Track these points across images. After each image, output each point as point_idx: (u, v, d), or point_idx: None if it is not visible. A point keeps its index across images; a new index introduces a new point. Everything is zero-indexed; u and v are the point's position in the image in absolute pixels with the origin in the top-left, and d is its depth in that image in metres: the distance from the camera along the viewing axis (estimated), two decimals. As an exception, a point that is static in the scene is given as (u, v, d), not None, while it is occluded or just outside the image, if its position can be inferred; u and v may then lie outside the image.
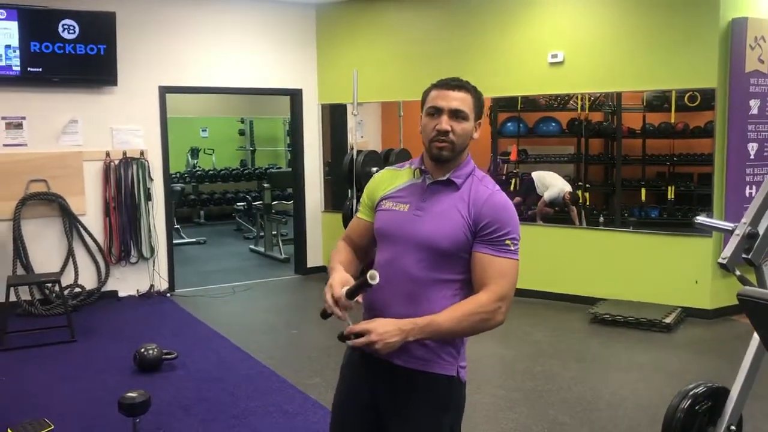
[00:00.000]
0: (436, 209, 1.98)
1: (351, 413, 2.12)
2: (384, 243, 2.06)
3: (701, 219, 3.21)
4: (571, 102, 8.25)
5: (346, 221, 7.23)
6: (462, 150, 2.00)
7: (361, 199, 2.20)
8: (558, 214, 8.05)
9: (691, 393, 2.99)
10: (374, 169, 6.49)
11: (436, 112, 1.96)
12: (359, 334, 1.85)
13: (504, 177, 8.41)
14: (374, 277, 1.81)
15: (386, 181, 2.13)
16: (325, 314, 1.96)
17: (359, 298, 1.96)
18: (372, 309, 2.02)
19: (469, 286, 1.99)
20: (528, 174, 8.05)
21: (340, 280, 1.95)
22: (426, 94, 2.02)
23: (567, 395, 4.34)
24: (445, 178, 2.00)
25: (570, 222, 7.21)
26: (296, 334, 5.93)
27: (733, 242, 2.84)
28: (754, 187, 5.91)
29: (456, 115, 1.95)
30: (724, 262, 2.84)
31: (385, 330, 1.83)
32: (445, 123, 1.94)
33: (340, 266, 2.06)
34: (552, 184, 7.58)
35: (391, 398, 2.02)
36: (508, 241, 1.93)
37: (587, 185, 7.66)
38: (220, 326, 5.93)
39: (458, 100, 1.95)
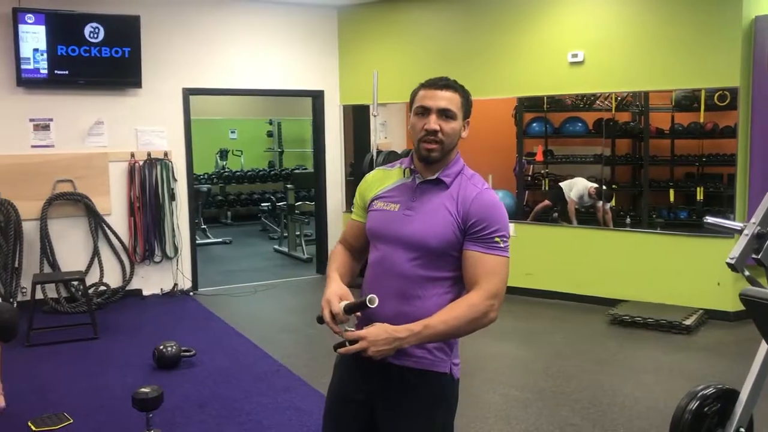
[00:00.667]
0: (425, 208, 1.99)
1: (345, 410, 2.13)
2: (376, 242, 2.08)
3: (711, 219, 3.16)
4: (597, 102, 8.17)
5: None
6: (451, 149, 2.00)
7: (354, 201, 2.21)
8: (584, 214, 7.99)
9: (700, 394, 2.94)
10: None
11: (424, 111, 1.97)
12: (353, 341, 1.87)
13: (530, 177, 8.36)
14: (373, 301, 1.87)
15: (377, 181, 2.14)
16: (322, 320, 1.99)
17: None
18: None
19: (460, 283, 2.00)
20: (556, 181, 8.00)
21: (337, 293, 1.98)
22: (414, 94, 2.03)
23: (581, 396, 4.30)
24: (434, 177, 2.01)
25: (596, 223, 7.13)
26: (314, 333, 5.96)
27: (742, 242, 2.79)
28: (778, 187, 5.80)
29: (444, 114, 1.96)
30: (732, 262, 2.80)
31: (377, 338, 1.85)
32: (433, 122, 1.95)
33: (336, 275, 2.09)
34: (577, 183, 7.52)
35: (385, 395, 2.03)
36: (497, 239, 1.93)
37: (614, 186, 7.57)
38: (239, 325, 6.00)
39: (446, 99, 1.96)
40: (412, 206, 2.01)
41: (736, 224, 2.94)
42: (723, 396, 2.96)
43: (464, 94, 2.00)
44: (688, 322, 5.53)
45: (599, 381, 4.59)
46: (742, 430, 2.90)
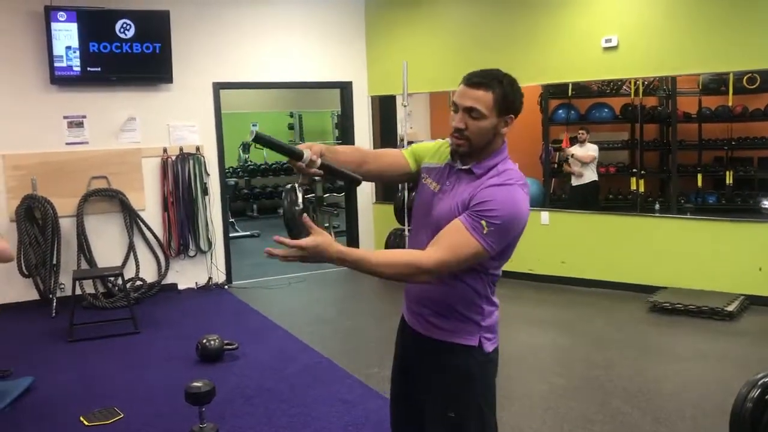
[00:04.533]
0: (451, 194, 2.00)
1: (398, 380, 2.28)
2: (414, 215, 2.15)
3: (769, 204, 3.13)
4: (624, 87, 8.11)
5: (397, 213, 7.26)
6: (483, 146, 1.97)
7: (412, 145, 2.25)
8: (614, 201, 7.95)
9: (761, 382, 2.92)
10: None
11: (455, 108, 1.98)
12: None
13: (555, 165, 8.32)
14: (359, 182, 1.99)
15: (437, 153, 2.15)
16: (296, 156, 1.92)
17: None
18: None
19: (472, 269, 1.97)
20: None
21: (326, 149, 1.99)
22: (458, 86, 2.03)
23: (628, 384, 4.29)
24: (467, 167, 2.01)
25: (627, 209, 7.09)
26: (351, 325, 5.99)
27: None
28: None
29: (470, 113, 1.93)
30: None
31: (316, 249, 1.77)
32: (458, 120, 1.95)
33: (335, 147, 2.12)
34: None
35: (416, 366, 2.13)
36: (484, 222, 1.85)
37: (642, 171, 7.52)
38: (277, 317, 6.03)
39: (473, 98, 1.92)
40: (444, 189, 2.04)
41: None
42: (784, 383, 2.94)
43: (502, 92, 1.93)
44: (730, 308, 5.48)
45: (644, 369, 4.57)
46: (804, 416, 2.87)
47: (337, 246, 1.80)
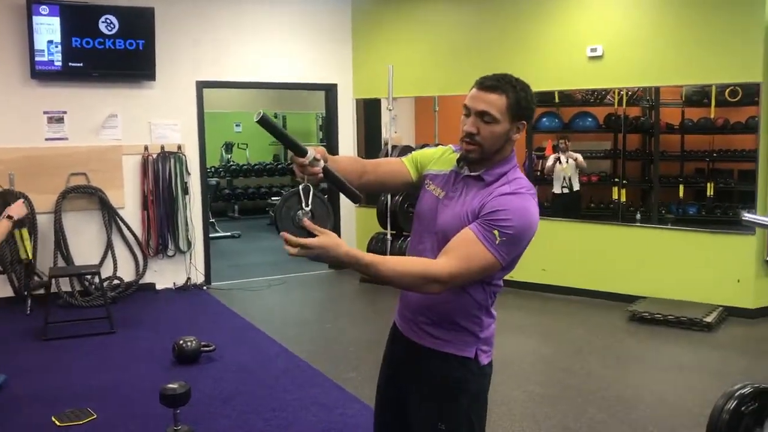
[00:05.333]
0: (458, 201, 1.96)
1: (386, 387, 2.19)
2: (417, 222, 2.09)
3: (749, 216, 3.16)
4: (608, 97, 8.15)
5: (380, 217, 7.24)
6: (494, 151, 1.94)
7: (413, 153, 2.17)
8: (596, 210, 7.97)
9: (737, 394, 2.93)
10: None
11: (466, 112, 1.93)
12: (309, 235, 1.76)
13: (539, 173, 8.34)
14: (359, 200, 1.93)
15: (441, 159, 2.10)
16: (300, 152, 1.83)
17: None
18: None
19: (483, 281, 1.95)
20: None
21: (329, 156, 1.92)
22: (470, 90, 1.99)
23: (606, 393, 4.29)
24: (477, 174, 1.96)
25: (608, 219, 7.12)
26: (330, 328, 5.95)
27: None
28: (798, 184, 5.78)
29: (482, 117, 1.89)
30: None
31: (322, 249, 1.73)
32: (470, 125, 1.90)
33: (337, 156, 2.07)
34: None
35: (411, 375, 2.06)
36: (496, 232, 1.82)
37: (624, 181, 7.56)
38: (256, 319, 5.97)
39: (487, 102, 1.88)
40: (451, 196, 1.99)
41: (778, 222, 2.92)
42: (761, 395, 2.94)
43: (515, 97, 1.90)
44: (708, 319, 5.51)
45: (623, 378, 4.58)
46: (780, 429, 2.89)
47: (346, 247, 1.75)
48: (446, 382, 1.99)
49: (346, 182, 1.92)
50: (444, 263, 1.81)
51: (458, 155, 2.05)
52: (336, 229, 8.05)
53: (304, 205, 1.80)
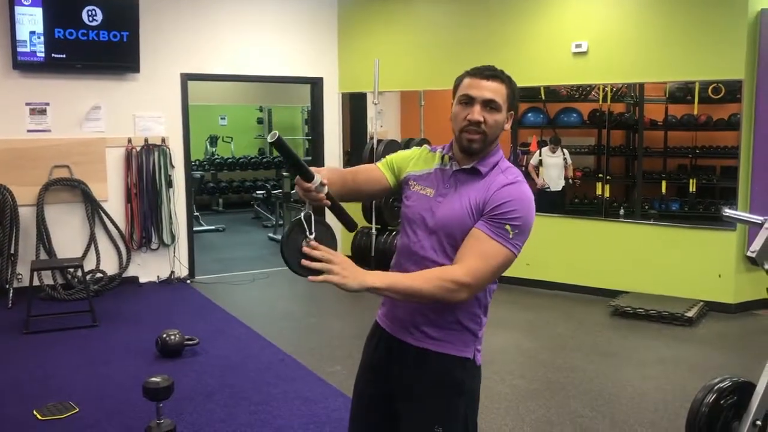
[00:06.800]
0: (455, 196, 1.95)
1: (369, 389, 2.12)
2: (406, 226, 2.04)
3: (730, 212, 3.17)
4: (592, 93, 8.18)
5: (365, 211, 7.24)
6: (493, 141, 1.95)
7: (387, 157, 2.14)
8: (580, 205, 8.01)
9: (716, 387, 2.96)
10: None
11: (468, 101, 1.91)
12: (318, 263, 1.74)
13: (524, 168, 8.37)
14: (354, 229, 1.96)
15: (420, 160, 2.09)
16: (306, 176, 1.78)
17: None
18: None
19: None
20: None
21: (331, 175, 1.92)
22: (459, 81, 1.97)
23: (588, 387, 4.33)
24: (470, 166, 1.96)
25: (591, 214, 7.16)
26: (315, 322, 5.95)
27: (763, 235, 2.80)
28: (780, 180, 5.84)
29: (488, 105, 1.90)
30: (753, 255, 2.81)
31: (347, 271, 1.73)
32: (477, 113, 1.89)
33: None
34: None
35: (403, 377, 2.00)
36: (508, 227, 1.83)
37: (608, 177, 7.60)
38: (240, 313, 5.96)
39: (491, 90, 1.90)
40: (444, 193, 1.96)
41: (757, 218, 2.94)
42: (739, 389, 2.97)
43: (511, 86, 1.94)
44: (689, 314, 5.57)
45: (605, 372, 4.62)
46: (758, 422, 2.92)
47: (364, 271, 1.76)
48: (444, 383, 1.96)
49: (345, 210, 1.89)
50: (462, 266, 1.81)
51: (440, 154, 2.05)
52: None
53: (308, 233, 1.76)
